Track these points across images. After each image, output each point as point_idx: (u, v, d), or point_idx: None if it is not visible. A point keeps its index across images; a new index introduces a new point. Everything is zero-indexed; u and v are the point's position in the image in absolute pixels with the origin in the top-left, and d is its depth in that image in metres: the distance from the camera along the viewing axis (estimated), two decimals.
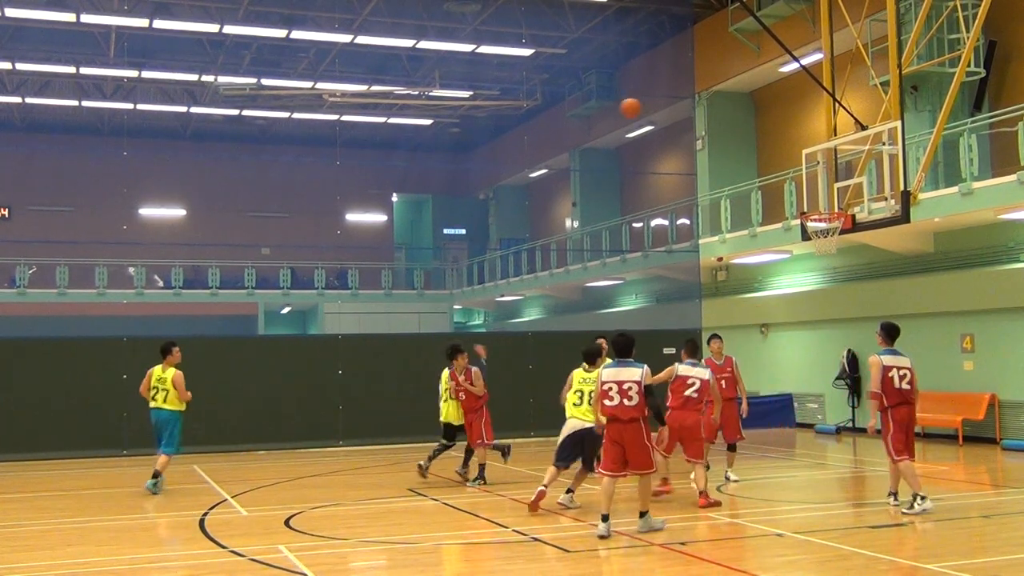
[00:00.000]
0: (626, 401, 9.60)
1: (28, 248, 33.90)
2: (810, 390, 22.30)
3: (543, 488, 11.04)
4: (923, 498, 10.58)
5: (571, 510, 11.11)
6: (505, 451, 13.80)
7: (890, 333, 11.13)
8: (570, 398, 11.28)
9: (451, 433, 13.90)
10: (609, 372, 9.85)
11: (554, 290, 33.59)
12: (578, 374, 11.23)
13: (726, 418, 13.04)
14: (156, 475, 13.20)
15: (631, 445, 9.64)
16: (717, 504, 11.36)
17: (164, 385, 13.22)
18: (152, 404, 13.30)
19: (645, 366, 9.86)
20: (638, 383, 9.63)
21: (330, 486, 14.02)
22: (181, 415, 13.34)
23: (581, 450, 11.24)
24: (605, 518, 9.54)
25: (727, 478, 13.39)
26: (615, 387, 9.68)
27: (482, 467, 13.54)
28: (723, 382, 13.14)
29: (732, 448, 13.71)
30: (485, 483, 13.33)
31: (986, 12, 16.42)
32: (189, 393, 13.29)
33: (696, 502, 11.35)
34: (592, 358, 11.23)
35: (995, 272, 17.92)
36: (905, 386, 10.80)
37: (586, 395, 10.97)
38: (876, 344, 11.26)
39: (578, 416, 11.10)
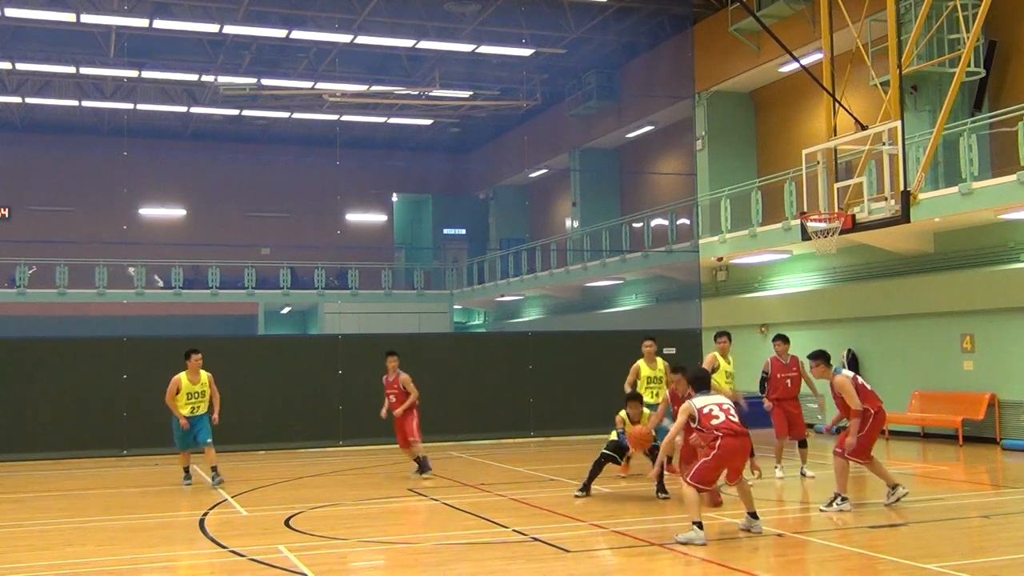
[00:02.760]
0: (731, 417, 9.66)
1: (28, 248, 33.89)
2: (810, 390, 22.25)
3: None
4: (843, 499, 10.90)
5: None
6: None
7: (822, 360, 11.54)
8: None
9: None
10: (701, 400, 9.81)
11: (554, 290, 33.58)
12: (642, 367, 13.60)
13: (793, 416, 13.97)
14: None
15: (744, 458, 9.83)
16: (719, 504, 11.32)
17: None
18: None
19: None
20: (733, 405, 9.94)
21: (330, 486, 14.02)
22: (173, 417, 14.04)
23: None
24: (755, 513, 9.72)
25: (802, 474, 13.88)
26: (715, 407, 9.71)
27: (422, 459, 14.29)
28: (789, 381, 14.07)
29: (803, 444, 14.18)
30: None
31: (986, 12, 16.40)
32: (172, 400, 13.89)
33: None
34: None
35: (995, 272, 17.92)
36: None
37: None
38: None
39: None
